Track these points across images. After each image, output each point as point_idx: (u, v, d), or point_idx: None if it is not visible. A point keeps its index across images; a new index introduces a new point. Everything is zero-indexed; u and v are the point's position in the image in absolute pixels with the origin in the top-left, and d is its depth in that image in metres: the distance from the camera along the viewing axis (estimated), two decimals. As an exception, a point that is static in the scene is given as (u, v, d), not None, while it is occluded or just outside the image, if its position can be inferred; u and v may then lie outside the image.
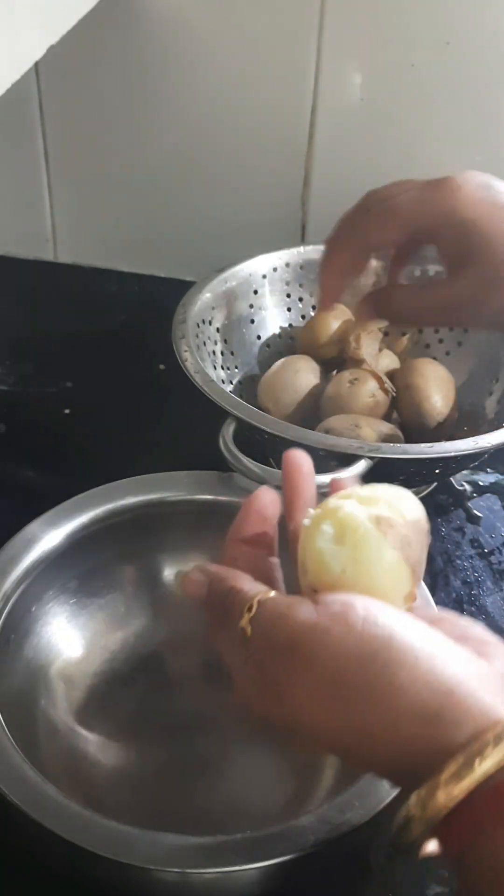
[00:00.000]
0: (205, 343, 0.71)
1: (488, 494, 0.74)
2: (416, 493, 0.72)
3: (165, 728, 0.55)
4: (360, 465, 0.59)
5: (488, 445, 0.61)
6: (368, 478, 0.59)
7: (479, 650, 0.37)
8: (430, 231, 0.56)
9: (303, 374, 0.71)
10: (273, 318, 0.78)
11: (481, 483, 0.75)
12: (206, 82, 0.83)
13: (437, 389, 0.69)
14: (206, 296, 0.72)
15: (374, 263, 0.72)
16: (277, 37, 0.79)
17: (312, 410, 0.71)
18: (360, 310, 0.63)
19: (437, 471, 0.66)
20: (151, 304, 0.90)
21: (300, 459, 0.46)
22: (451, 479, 0.74)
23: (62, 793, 0.44)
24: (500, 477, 0.75)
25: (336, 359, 0.74)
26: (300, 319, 0.79)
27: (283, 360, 0.73)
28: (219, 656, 0.41)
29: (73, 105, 0.87)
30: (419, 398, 0.69)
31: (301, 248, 0.78)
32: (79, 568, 0.58)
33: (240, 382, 0.76)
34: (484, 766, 0.32)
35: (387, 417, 0.69)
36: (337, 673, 0.36)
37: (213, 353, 0.73)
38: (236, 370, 0.76)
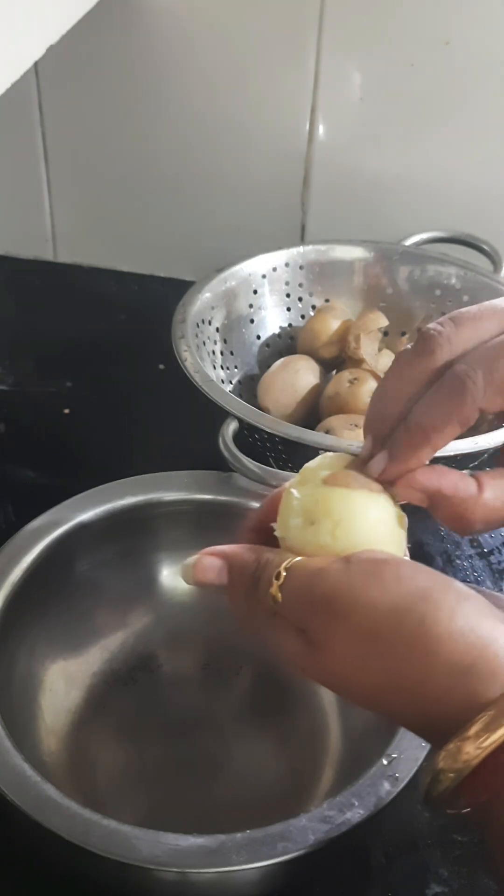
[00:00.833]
0: (204, 343, 0.71)
1: (488, 494, 0.74)
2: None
3: (165, 728, 0.55)
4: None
5: (488, 445, 0.61)
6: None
7: None
8: None
9: (303, 374, 0.71)
10: (273, 318, 0.78)
11: (481, 483, 0.75)
12: (206, 82, 0.83)
13: (436, 389, 0.69)
14: (206, 295, 0.72)
15: (383, 321, 0.72)
16: (277, 37, 0.79)
17: (312, 410, 0.71)
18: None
19: (436, 471, 0.66)
20: (151, 304, 0.90)
21: None
22: (451, 478, 0.74)
23: (62, 793, 0.44)
24: (500, 477, 0.75)
25: (336, 359, 0.74)
26: (300, 319, 0.79)
27: (282, 359, 0.73)
28: (248, 635, 0.41)
29: (73, 105, 0.87)
30: (419, 398, 0.69)
31: (301, 248, 0.78)
32: (78, 567, 0.58)
33: (239, 382, 0.76)
34: None
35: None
36: (374, 625, 0.36)
37: (213, 352, 0.73)
38: (236, 370, 0.76)
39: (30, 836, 0.47)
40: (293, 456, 0.64)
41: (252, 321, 0.77)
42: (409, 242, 0.80)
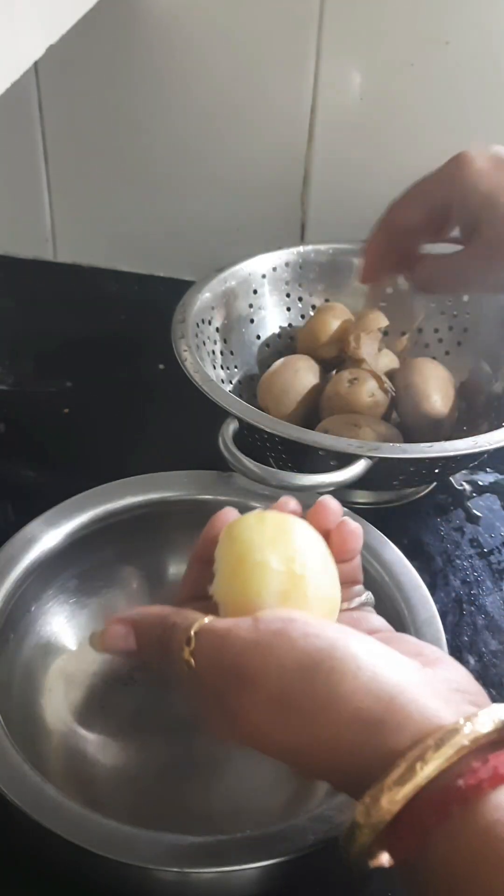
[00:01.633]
0: (204, 343, 0.71)
1: (488, 494, 0.74)
2: (416, 493, 0.72)
3: (165, 728, 0.55)
4: (360, 465, 0.59)
5: (488, 445, 0.61)
6: (368, 478, 0.59)
7: (427, 663, 0.38)
8: (446, 205, 0.59)
9: (302, 374, 0.71)
10: (273, 318, 0.78)
11: (481, 483, 0.75)
12: (206, 82, 0.83)
13: (436, 389, 0.69)
14: (206, 295, 0.72)
15: (383, 321, 0.72)
16: (277, 36, 0.79)
17: (312, 410, 0.71)
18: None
19: (436, 470, 0.66)
20: (151, 304, 0.90)
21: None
22: (451, 478, 0.74)
23: (62, 793, 0.44)
24: (500, 476, 0.75)
25: (336, 359, 0.74)
26: (300, 319, 0.79)
27: (282, 359, 0.73)
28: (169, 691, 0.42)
29: (73, 105, 0.87)
30: (419, 398, 0.69)
31: (301, 248, 0.78)
32: (78, 567, 0.58)
33: (239, 382, 0.76)
34: (426, 771, 0.32)
35: (386, 417, 0.69)
36: (282, 687, 0.36)
37: (213, 352, 0.73)
38: (236, 370, 0.76)
39: (30, 836, 0.47)
40: (293, 456, 0.64)
41: (252, 321, 0.77)
42: (409, 242, 0.80)
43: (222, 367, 0.74)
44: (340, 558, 0.45)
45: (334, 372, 0.73)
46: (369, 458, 0.59)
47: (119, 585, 0.60)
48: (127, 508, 0.59)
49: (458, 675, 0.38)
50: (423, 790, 0.33)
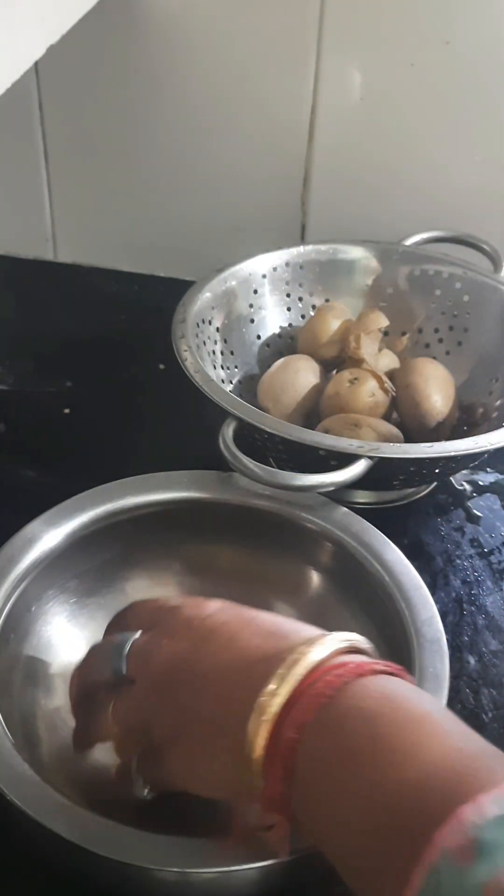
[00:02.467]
0: (205, 343, 0.71)
1: (488, 494, 0.74)
2: (416, 493, 0.72)
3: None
4: (360, 465, 0.59)
5: (488, 445, 0.61)
6: (368, 478, 0.59)
7: None
8: None
9: (303, 374, 0.71)
10: (273, 318, 0.78)
11: (481, 483, 0.75)
12: (206, 82, 0.83)
13: (436, 389, 0.69)
14: (206, 295, 0.72)
15: (383, 321, 0.72)
16: (277, 37, 0.79)
17: (312, 410, 0.71)
18: None
19: (436, 470, 0.66)
20: (151, 304, 0.90)
21: None
22: (451, 478, 0.74)
23: (62, 793, 0.44)
24: (500, 476, 0.75)
25: (336, 359, 0.74)
26: (300, 319, 0.79)
27: (283, 359, 0.73)
28: None
29: (73, 105, 0.87)
30: (419, 398, 0.69)
31: (301, 248, 0.78)
32: (78, 567, 0.58)
33: (240, 382, 0.76)
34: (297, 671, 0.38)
35: (387, 417, 0.69)
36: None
37: (213, 352, 0.73)
38: (236, 370, 0.76)
39: (30, 836, 0.47)
40: (293, 456, 0.64)
41: (252, 321, 0.77)
42: (409, 242, 0.80)
43: (222, 367, 0.74)
44: None
45: (334, 372, 0.73)
46: (369, 458, 0.59)
47: (119, 586, 0.60)
48: (127, 509, 0.59)
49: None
50: (297, 694, 0.38)
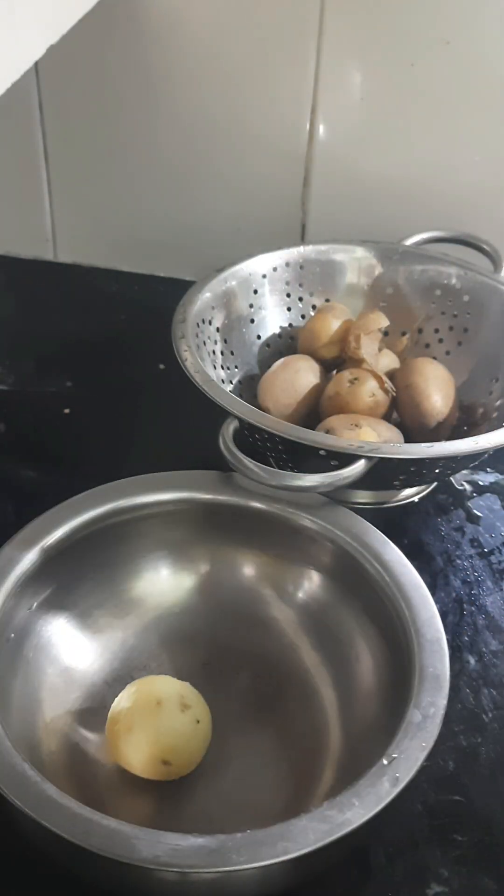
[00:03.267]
0: (205, 343, 0.71)
1: (488, 494, 0.74)
2: (417, 493, 0.72)
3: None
4: (360, 465, 0.59)
5: (488, 445, 0.61)
6: (368, 478, 0.59)
7: None
8: None
9: (303, 374, 0.71)
10: (273, 318, 0.78)
11: (481, 483, 0.75)
12: (206, 82, 0.83)
13: (436, 389, 0.69)
14: (206, 295, 0.72)
15: (383, 321, 0.72)
16: (277, 37, 0.79)
17: (312, 410, 0.71)
18: None
19: (436, 470, 0.66)
20: (151, 304, 0.90)
21: None
22: (452, 478, 0.74)
23: (62, 793, 0.44)
24: (500, 477, 0.75)
25: (336, 359, 0.74)
26: (300, 319, 0.79)
27: (283, 359, 0.73)
28: None
29: (73, 105, 0.87)
30: (419, 398, 0.69)
31: (301, 248, 0.78)
32: (78, 567, 0.58)
33: (240, 382, 0.75)
34: None
35: (387, 417, 0.69)
36: None
37: (213, 352, 0.73)
38: (236, 370, 0.76)
39: (30, 835, 0.47)
40: (293, 456, 0.64)
41: (252, 321, 0.77)
42: (409, 242, 0.80)
43: (222, 367, 0.74)
44: None
45: (335, 372, 0.73)
46: (369, 458, 0.59)
47: (119, 586, 0.60)
48: (127, 508, 0.59)
49: None
50: None
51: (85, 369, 0.84)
